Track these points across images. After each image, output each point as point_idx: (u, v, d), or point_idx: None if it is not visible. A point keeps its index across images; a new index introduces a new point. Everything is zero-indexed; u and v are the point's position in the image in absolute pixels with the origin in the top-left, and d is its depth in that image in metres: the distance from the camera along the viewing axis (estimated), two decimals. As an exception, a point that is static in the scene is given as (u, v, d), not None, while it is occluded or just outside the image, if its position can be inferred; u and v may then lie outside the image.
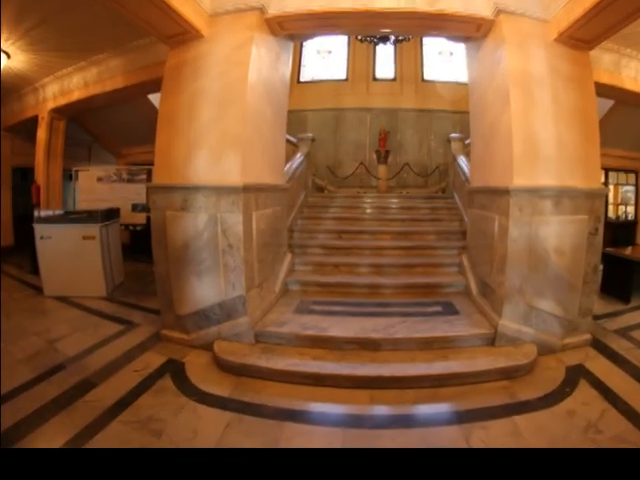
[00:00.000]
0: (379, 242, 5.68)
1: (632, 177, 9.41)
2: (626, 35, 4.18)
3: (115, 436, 2.37)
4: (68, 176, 8.17)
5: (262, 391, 2.93)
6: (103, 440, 2.31)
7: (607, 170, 8.80)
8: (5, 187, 8.51)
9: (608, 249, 5.20)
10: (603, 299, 4.94)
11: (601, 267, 4.34)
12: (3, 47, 5.44)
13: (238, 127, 3.63)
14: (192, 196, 3.58)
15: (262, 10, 3.78)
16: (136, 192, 7.61)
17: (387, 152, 8.64)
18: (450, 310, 4.06)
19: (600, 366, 3.26)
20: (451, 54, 9.29)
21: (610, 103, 6.73)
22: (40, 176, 7.47)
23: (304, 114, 9.04)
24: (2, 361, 3.18)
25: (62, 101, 7.05)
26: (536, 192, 3.46)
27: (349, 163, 9.06)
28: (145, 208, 7.26)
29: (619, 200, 9.49)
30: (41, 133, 7.47)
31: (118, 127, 8.53)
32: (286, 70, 4.58)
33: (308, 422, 2.62)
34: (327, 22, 4.01)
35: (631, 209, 9.47)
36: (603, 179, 8.64)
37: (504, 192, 3.53)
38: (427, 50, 9.46)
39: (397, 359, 3.27)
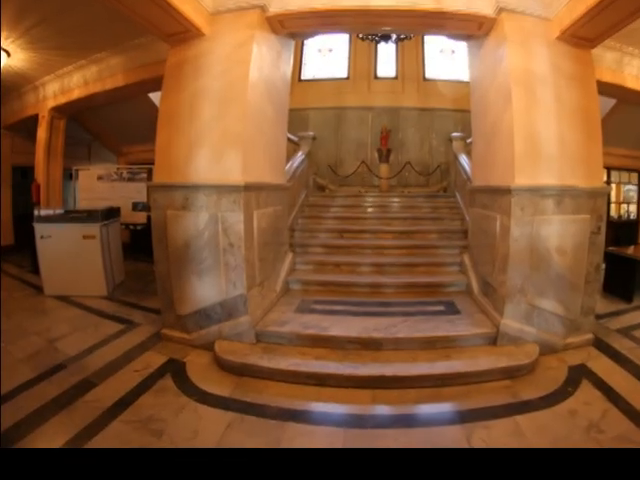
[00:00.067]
0: (380, 241, 5.67)
1: (634, 176, 9.39)
2: (629, 33, 4.17)
3: (115, 436, 2.36)
4: (68, 175, 8.17)
5: (263, 391, 2.92)
6: (103, 440, 2.30)
7: (609, 169, 8.78)
8: (5, 186, 8.50)
9: (610, 248, 5.19)
10: (605, 298, 4.92)
11: (603, 266, 4.32)
12: (3, 45, 5.43)
13: (239, 125, 3.62)
14: (193, 195, 3.57)
15: (263, 8, 3.77)
16: (137, 191, 7.60)
17: (389, 151, 8.61)
18: (452, 309, 4.05)
19: (602, 366, 3.25)
20: (453, 52, 9.27)
21: (612, 102, 6.71)
22: (40, 175, 7.47)
23: (305, 113, 9.01)
24: (2, 361, 3.17)
25: (62, 100, 7.05)
26: (538, 191, 3.44)
27: (350, 162, 9.03)
28: (146, 207, 7.25)
29: (621, 199, 9.48)
30: (41, 132, 7.47)
31: (118, 126, 8.53)
32: (287, 68, 4.57)
33: (310, 422, 2.61)
34: (328, 20, 3.99)
35: (633, 208, 9.46)
36: (605, 178, 8.63)
37: (506, 191, 3.52)
38: (429, 48, 9.42)
39: (399, 359, 3.26)
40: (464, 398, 2.83)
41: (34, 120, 7.52)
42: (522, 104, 3.55)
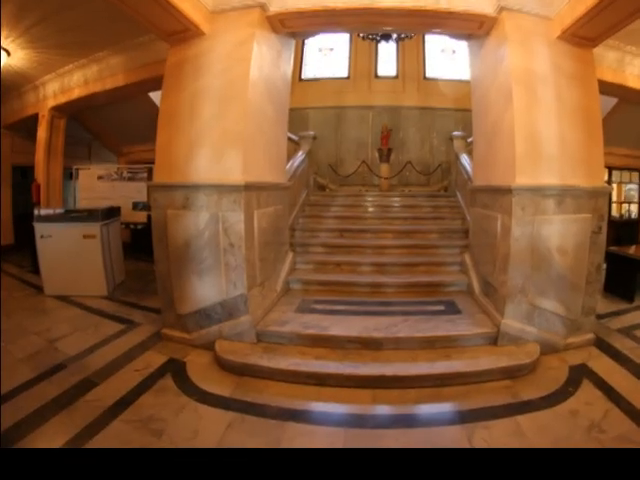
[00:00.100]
0: (381, 241, 5.66)
1: (635, 175, 9.38)
2: (630, 32, 4.14)
3: (115, 436, 2.36)
4: (68, 174, 8.17)
5: (264, 391, 2.92)
6: (103, 440, 2.30)
7: (610, 168, 8.77)
8: (5, 185, 8.50)
9: (611, 248, 5.18)
10: (606, 298, 4.91)
11: (604, 266, 4.32)
12: (3, 44, 5.42)
13: (239, 125, 3.61)
14: (193, 195, 3.56)
15: (263, 7, 3.76)
16: (137, 190, 7.59)
17: (389, 150, 8.61)
18: (452, 309, 4.05)
19: (603, 366, 3.24)
20: (454, 52, 9.26)
21: (613, 101, 6.69)
22: (40, 174, 7.47)
23: (306, 112, 9.01)
24: (2, 360, 3.17)
25: (62, 99, 7.04)
26: (539, 191, 3.44)
27: (351, 161, 9.03)
28: (146, 207, 7.25)
29: (622, 198, 9.47)
30: (41, 131, 7.47)
31: (119, 125, 8.52)
32: (288, 68, 4.56)
33: (310, 422, 2.61)
34: (329, 20, 3.98)
35: (634, 207, 9.45)
36: (606, 177, 8.62)
37: (506, 191, 3.51)
38: (429, 48, 9.41)
39: (399, 358, 3.25)
40: (465, 398, 2.82)
41: (34, 119, 7.52)
42: (523, 103, 3.54)
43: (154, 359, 3.36)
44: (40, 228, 5.14)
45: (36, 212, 5.32)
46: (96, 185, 7.78)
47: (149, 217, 5.01)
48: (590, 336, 3.66)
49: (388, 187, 8.38)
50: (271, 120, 4.20)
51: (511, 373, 3.11)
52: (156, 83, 4.46)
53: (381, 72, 9.49)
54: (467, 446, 2.30)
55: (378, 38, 7.23)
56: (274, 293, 4.25)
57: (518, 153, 3.50)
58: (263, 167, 4.02)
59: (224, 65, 3.70)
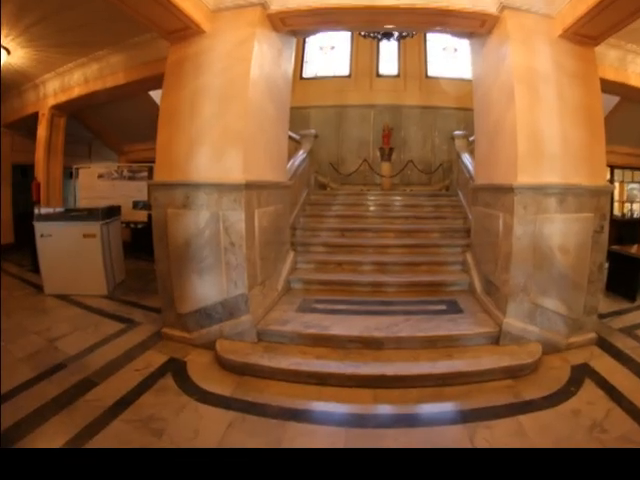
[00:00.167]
0: (382, 240, 5.65)
1: (638, 174, 9.35)
2: (632, 31, 4.12)
3: (116, 435, 2.35)
4: (68, 173, 8.17)
5: (264, 390, 2.91)
6: (104, 440, 2.29)
7: (612, 167, 8.74)
8: (5, 184, 8.50)
9: (613, 247, 5.16)
10: (608, 297, 4.90)
11: (606, 265, 4.30)
12: (3, 43, 5.41)
13: (240, 123, 3.60)
14: (194, 193, 3.55)
15: (264, 6, 3.74)
16: (137, 189, 7.60)
17: (391, 149, 8.58)
18: (454, 308, 4.04)
19: (605, 365, 3.23)
20: (455, 50, 9.22)
21: (616, 100, 6.68)
22: (40, 173, 7.47)
23: (307, 111, 8.98)
24: (2, 360, 3.16)
25: (62, 98, 7.04)
26: (541, 190, 3.42)
27: (352, 160, 9.00)
28: (146, 206, 7.25)
29: (625, 197, 9.43)
30: (41, 130, 7.46)
31: (119, 124, 8.51)
32: (288, 66, 4.54)
33: (311, 422, 2.60)
34: (330, 18, 3.96)
35: (637, 207, 9.42)
36: (608, 176, 8.59)
37: (508, 190, 3.50)
38: (431, 46, 9.36)
39: (401, 358, 3.24)
40: (466, 398, 2.81)
41: (34, 118, 7.51)
42: (525, 102, 3.53)
43: (154, 358, 3.36)
44: (40, 227, 5.13)
45: (36, 211, 5.32)
46: (96, 184, 7.78)
47: (149, 216, 5.00)
48: (592, 335, 3.65)
49: (389, 186, 8.35)
50: (272, 119, 4.19)
51: (513, 373, 3.10)
52: (157, 81, 4.45)
53: (382, 71, 9.45)
54: (469, 446, 2.29)
55: (379, 36, 7.19)
56: (275, 292, 4.24)
57: (520, 152, 3.49)
58: (264, 166, 4.01)
59: (225, 63, 3.68)
